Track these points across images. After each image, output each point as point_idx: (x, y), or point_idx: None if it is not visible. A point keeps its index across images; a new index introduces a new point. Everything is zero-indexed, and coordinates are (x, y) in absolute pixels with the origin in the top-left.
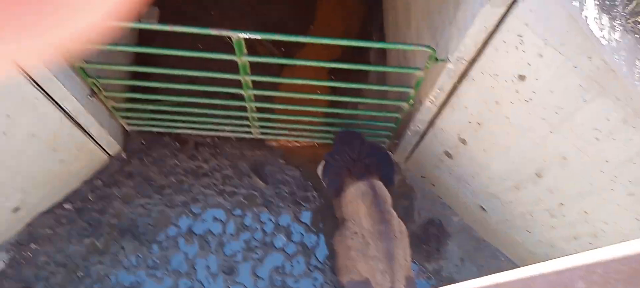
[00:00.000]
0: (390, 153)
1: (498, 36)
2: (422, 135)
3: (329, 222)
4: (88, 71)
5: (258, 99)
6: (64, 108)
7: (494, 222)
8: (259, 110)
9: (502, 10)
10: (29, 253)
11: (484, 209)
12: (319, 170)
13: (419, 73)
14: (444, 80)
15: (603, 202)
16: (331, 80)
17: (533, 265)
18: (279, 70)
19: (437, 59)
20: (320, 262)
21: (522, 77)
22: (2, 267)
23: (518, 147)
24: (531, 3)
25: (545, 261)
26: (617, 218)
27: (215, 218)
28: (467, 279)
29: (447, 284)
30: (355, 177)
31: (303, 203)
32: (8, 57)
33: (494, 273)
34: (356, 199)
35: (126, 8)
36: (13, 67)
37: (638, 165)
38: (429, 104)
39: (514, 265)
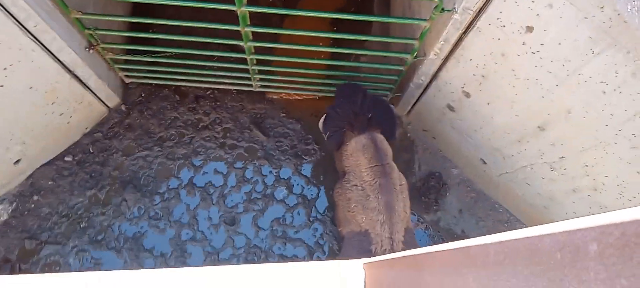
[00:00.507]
0: (392, 106)
1: None
2: (425, 88)
3: (330, 174)
4: (85, 22)
5: (258, 50)
6: (61, 60)
7: (494, 175)
8: (259, 62)
9: None
10: (31, 204)
11: (484, 162)
12: (320, 123)
13: (424, 24)
14: (450, 32)
15: (605, 155)
16: (333, 31)
17: (542, 225)
18: (279, 21)
19: (443, 9)
20: (320, 213)
21: (530, 29)
22: (5, 217)
23: (523, 101)
24: None
25: (543, 213)
26: (619, 171)
27: (216, 171)
28: (465, 230)
29: (445, 235)
30: (357, 131)
31: (304, 156)
32: None
33: (492, 224)
34: (357, 152)
35: None
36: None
37: None
38: (433, 56)
39: (513, 217)
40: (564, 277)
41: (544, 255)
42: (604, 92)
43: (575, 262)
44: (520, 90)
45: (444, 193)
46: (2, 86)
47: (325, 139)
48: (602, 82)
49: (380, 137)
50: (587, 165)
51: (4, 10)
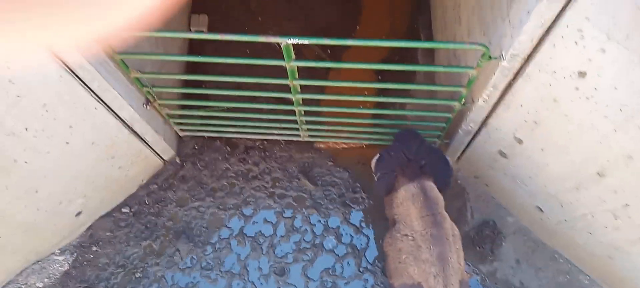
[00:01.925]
0: (448, 158)
1: (556, 31)
2: (475, 135)
3: (379, 223)
4: (143, 81)
5: (306, 102)
6: (121, 117)
7: (552, 224)
8: (307, 113)
9: (560, 4)
10: (90, 255)
11: (541, 210)
12: (373, 163)
13: (471, 72)
14: (498, 79)
15: None
16: (378, 80)
17: None
18: (325, 72)
19: (490, 57)
20: (370, 263)
21: (582, 74)
22: (66, 268)
23: (578, 146)
24: None
25: (608, 264)
26: None
27: (265, 220)
28: (524, 281)
29: (502, 286)
30: (407, 178)
31: (352, 205)
32: (46, 44)
33: (552, 275)
34: (406, 201)
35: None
36: (49, 54)
37: None
38: (482, 103)
39: (575, 268)
40: None
41: None
42: None
43: None
44: (575, 136)
45: (500, 243)
46: (67, 143)
47: (376, 180)
48: None
49: (430, 185)
50: None
51: (71, 73)
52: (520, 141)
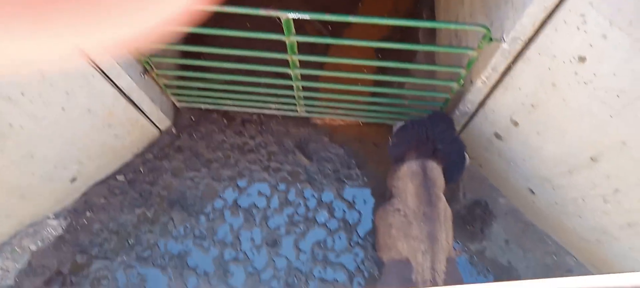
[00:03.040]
0: (467, 155)
1: (558, 15)
2: (472, 116)
3: (372, 199)
4: (141, 50)
5: (304, 77)
6: (118, 85)
7: (543, 206)
8: (305, 88)
9: None
10: (84, 220)
11: (533, 192)
12: (395, 127)
13: (471, 53)
14: (498, 61)
15: None
16: (378, 59)
17: (606, 275)
18: (325, 49)
19: (491, 39)
20: (361, 238)
21: (582, 59)
22: (60, 232)
23: (574, 131)
24: None
25: (596, 248)
26: None
27: (260, 193)
28: (512, 261)
29: (490, 265)
30: (416, 155)
31: (346, 181)
32: (77, 47)
33: (540, 256)
34: (405, 177)
35: (194, 5)
36: (82, 57)
37: None
38: (481, 85)
39: (563, 250)
40: None
41: None
42: None
43: None
44: (572, 120)
45: (490, 223)
46: (63, 110)
47: (389, 144)
48: None
49: (432, 166)
50: None
51: None
52: (516, 124)
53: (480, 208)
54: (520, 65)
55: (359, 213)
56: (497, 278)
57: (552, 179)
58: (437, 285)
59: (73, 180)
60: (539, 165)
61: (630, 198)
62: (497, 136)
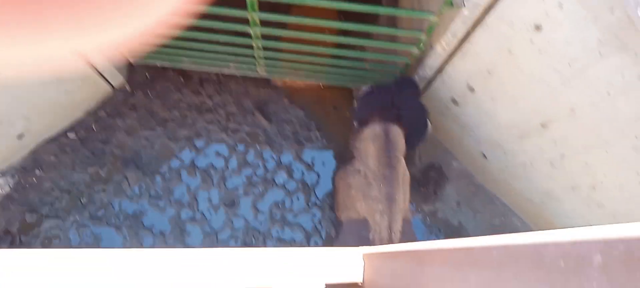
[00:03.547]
0: (429, 123)
1: None
2: (430, 81)
3: (331, 161)
4: None
5: (265, 37)
6: None
7: (494, 170)
8: (265, 48)
9: None
10: (33, 179)
11: (485, 157)
12: (360, 92)
13: (432, 18)
14: (458, 26)
15: (606, 155)
16: (340, 21)
17: (547, 231)
18: (287, 8)
19: (452, 4)
20: (319, 199)
21: (538, 27)
22: (7, 190)
23: (527, 98)
24: None
25: (540, 209)
26: (618, 171)
27: (217, 154)
28: (463, 222)
29: (442, 226)
30: (380, 119)
31: (305, 143)
32: (74, 51)
33: (489, 217)
34: (368, 139)
35: (189, 5)
36: (80, 61)
37: None
38: (440, 50)
39: (510, 211)
40: (567, 283)
41: (548, 262)
42: (609, 94)
43: (578, 271)
44: (525, 87)
45: (443, 185)
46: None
47: (353, 107)
48: (608, 83)
49: (394, 130)
50: (587, 164)
51: None
52: (472, 90)
53: (434, 171)
54: (479, 32)
55: (318, 174)
56: (448, 238)
57: (503, 144)
58: (392, 243)
59: (20, 136)
60: (492, 131)
61: (575, 163)
62: (454, 102)
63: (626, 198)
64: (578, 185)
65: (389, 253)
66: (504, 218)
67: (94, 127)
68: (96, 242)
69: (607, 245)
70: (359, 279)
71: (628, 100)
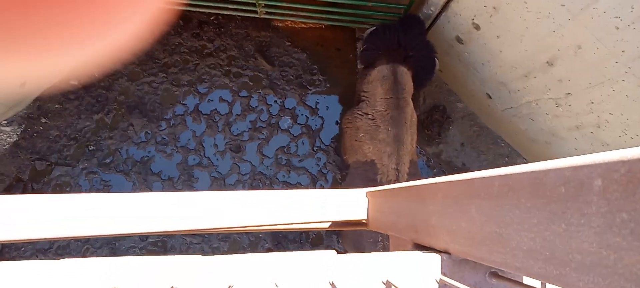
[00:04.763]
0: (437, 60)
1: None
2: (435, 19)
3: (335, 105)
4: None
5: None
6: None
7: (498, 110)
8: None
9: None
10: (40, 127)
11: (490, 97)
12: (366, 33)
13: None
14: None
15: (612, 93)
16: None
17: (546, 160)
18: None
19: None
20: (324, 143)
21: None
22: (15, 138)
23: (533, 35)
24: None
25: (544, 149)
26: (624, 109)
27: (221, 99)
28: (466, 163)
29: (446, 166)
30: (387, 60)
31: (309, 87)
32: (45, 70)
33: (492, 158)
34: (376, 80)
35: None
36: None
37: None
38: None
39: (514, 152)
40: (566, 209)
41: (548, 189)
42: (618, 28)
43: (578, 196)
44: (531, 24)
45: (447, 127)
46: None
47: (359, 51)
48: (617, 16)
49: (402, 71)
50: (592, 102)
51: None
52: (477, 27)
53: (438, 113)
54: None
55: (322, 119)
56: None
57: (508, 83)
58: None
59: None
60: (496, 70)
61: (580, 101)
62: (459, 40)
63: (631, 138)
64: (583, 124)
65: (391, 190)
66: (508, 159)
67: (95, 73)
68: (107, 189)
69: (608, 169)
70: (363, 216)
71: (636, 35)
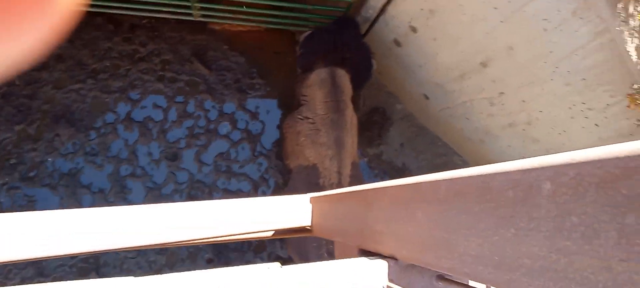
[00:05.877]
0: (374, 63)
1: None
2: (373, 23)
3: (275, 110)
4: None
5: None
6: None
7: (436, 110)
8: None
9: None
10: None
11: (427, 98)
12: (302, 37)
13: None
14: None
15: (541, 91)
16: None
17: (494, 164)
18: None
19: None
20: (265, 148)
21: None
22: None
23: (468, 37)
24: None
25: (479, 147)
26: (552, 107)
27: (155, 105)
28: (406, 163)
29: (386, 167)
30: (325, 63)
31: (248, 91)
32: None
33: (430, 157)
34: (314, 85)
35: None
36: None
37: (579, 56)
38: None
39: (451, 151)
40: (515, 213)
41: (496, 193)
42: (545, 30)
43: (526, 200)
44: (466, 27)
45: (387, 128)
46: None
47: (297, 54)
48: (545, 19)
49: (340, 73)
50: (524, 101)
51: None
52: (414, 30)
53: (378, 115)
54: None
55: (263, 123)
56: (393, 179)
57: (444, 85)
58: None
59: None
60: (433, 71)
61: (512, 100)
62: (397, 43)
63: (559, 133)
64: (515, 121)
65: (336, 195)
66: (446, 158)
67: (17, 81)
68: (30, 205)
69: (556, 172)
70: (307, 223)
71: (563, 36)
